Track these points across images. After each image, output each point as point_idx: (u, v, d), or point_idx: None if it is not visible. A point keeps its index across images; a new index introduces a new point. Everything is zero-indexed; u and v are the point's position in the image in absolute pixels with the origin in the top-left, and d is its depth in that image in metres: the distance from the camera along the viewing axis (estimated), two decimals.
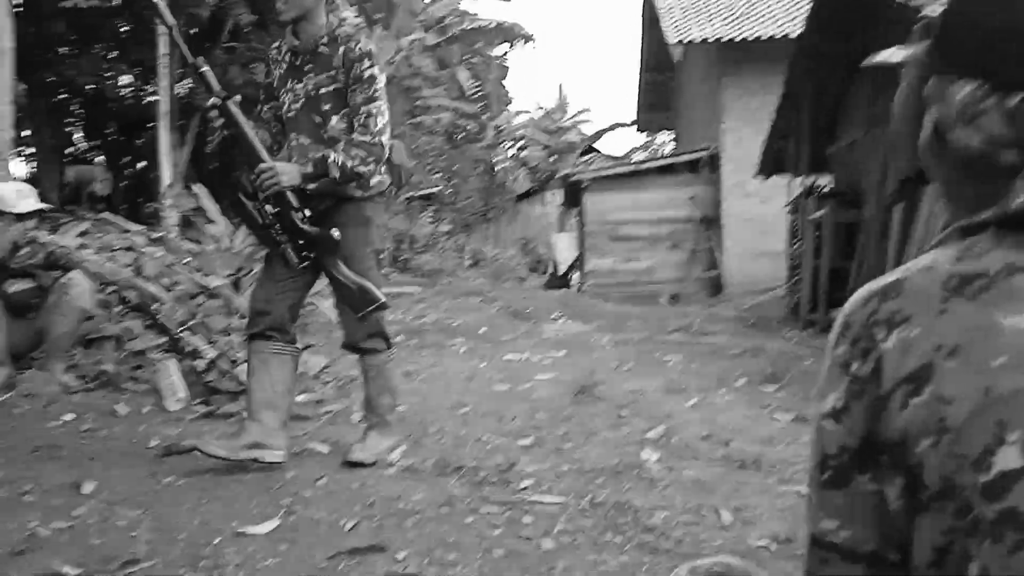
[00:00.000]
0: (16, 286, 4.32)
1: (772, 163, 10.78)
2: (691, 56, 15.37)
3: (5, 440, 3.30)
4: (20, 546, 2.20)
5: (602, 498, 2.70)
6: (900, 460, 0.63)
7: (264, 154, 2.79)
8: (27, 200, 4.36)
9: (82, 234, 6.08)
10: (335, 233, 2.80)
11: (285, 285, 2.95)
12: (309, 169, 2.79)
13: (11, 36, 5.55)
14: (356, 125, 2.85)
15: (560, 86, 38.97)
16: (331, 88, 2.88)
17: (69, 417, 3.72)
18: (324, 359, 4.84)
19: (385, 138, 2.86)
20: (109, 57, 12.18)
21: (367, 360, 3.07)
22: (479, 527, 2.45)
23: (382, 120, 2.86)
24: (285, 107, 2.96)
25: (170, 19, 2.76)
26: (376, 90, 2.85)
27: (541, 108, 30.83)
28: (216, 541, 2.28)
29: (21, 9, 6.72)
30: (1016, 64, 0.63)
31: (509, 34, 16.85)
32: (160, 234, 7.16)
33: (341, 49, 2.86)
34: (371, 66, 2.84)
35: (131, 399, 4.11)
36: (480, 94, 24.95)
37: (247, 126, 2.81)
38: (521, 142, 31.24)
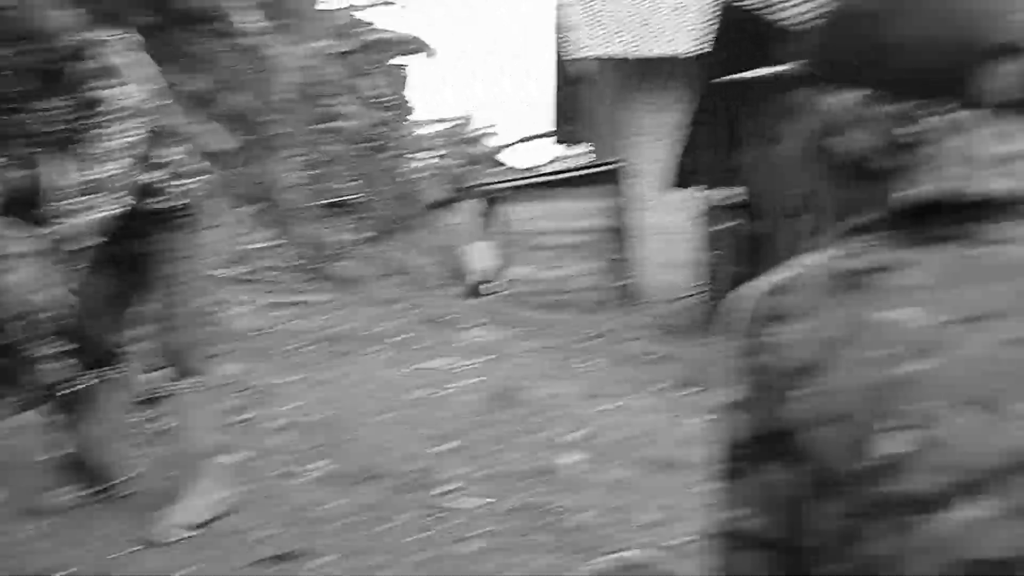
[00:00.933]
0: None
1: (681, 175, 11.05)
2: (602, 70, 15.64)
3: None
4: None
5: (526, 501, 2.71)
6: (800, 449, 0.65)
7: None
8: None
9: None
10: None
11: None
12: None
13: None
14: (87, 159, 2.41)
15: (462, 97, 38.91)
16: (78, 115, 2.44)
17: None
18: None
19: (118, 164, 2.43)
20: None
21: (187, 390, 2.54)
22: (403, 531, 2.42)
23: (114, 142, 2.43)
24: (47, 137, 2.49)
25: None
26: (105, 114, 2.42)
27: (446, 119, 30.84)
28: (128, 551, 2.19)
29: None
30: (894, 73, 0.67)
31: (410, 46, 16.84)
32: None
33: (74, 69, 2.44)
34: (98, 87, 2.42)
35: None
36: (389, 103, 24.82)
37: None
38: (432, 151, 31.17)
